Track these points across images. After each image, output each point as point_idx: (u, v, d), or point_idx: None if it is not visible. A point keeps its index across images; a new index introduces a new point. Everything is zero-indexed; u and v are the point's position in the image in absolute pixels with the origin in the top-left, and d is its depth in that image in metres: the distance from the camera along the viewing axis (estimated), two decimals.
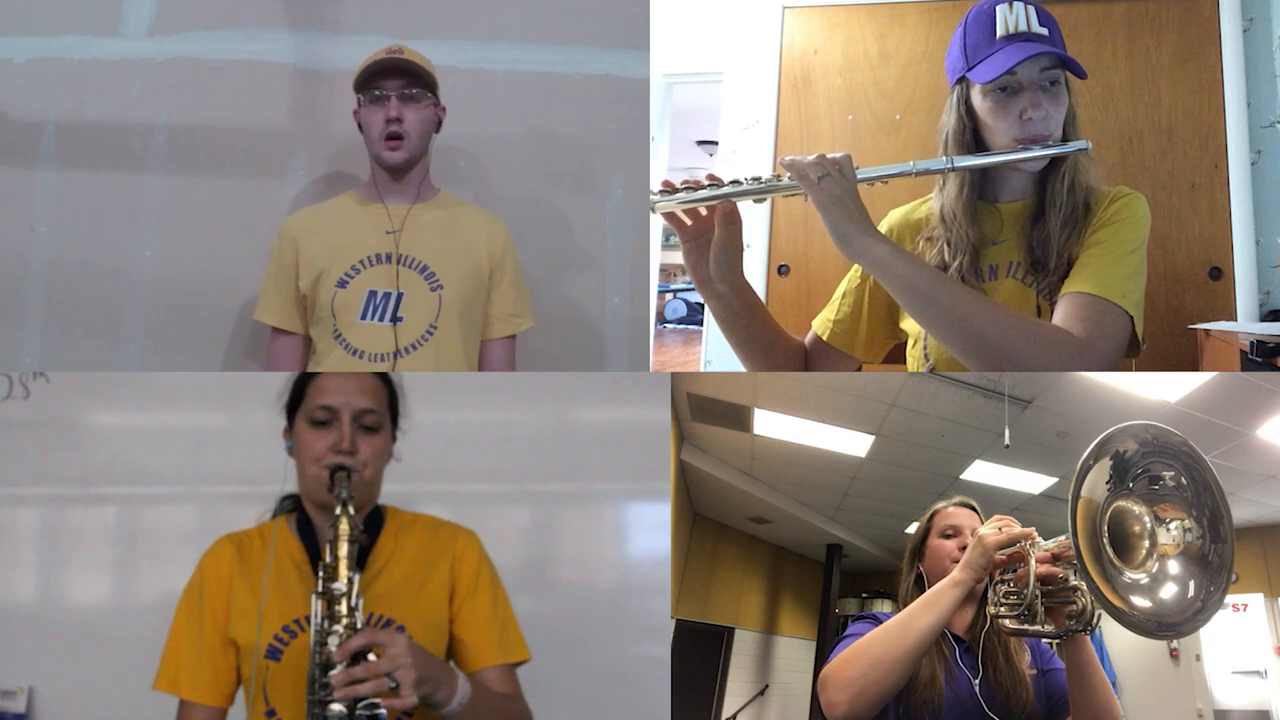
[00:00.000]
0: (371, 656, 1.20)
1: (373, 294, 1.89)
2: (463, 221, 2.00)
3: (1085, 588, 1.15)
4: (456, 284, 1.93)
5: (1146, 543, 1.12)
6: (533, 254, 2.26)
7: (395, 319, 1.89)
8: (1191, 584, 1.09)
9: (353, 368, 1.86)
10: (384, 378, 1.44)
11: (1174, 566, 1.11)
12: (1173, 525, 1.12)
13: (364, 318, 1.89)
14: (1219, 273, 2.71)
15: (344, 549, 1.26)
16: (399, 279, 1.90)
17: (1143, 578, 1.10)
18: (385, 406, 1.41)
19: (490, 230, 2.01)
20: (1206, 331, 2.46)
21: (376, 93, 1.90)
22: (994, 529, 1.27)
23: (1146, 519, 1.12)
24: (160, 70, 2.26)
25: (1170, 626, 1.09)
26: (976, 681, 1.33)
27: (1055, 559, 1.21)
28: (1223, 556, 1.10)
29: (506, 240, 2.02)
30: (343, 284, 1.90)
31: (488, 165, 2.27)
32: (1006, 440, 2.75)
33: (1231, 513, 1.11)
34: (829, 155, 1.44)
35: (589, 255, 2.29)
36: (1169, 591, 1.09)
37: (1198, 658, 3.63)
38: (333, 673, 1.19)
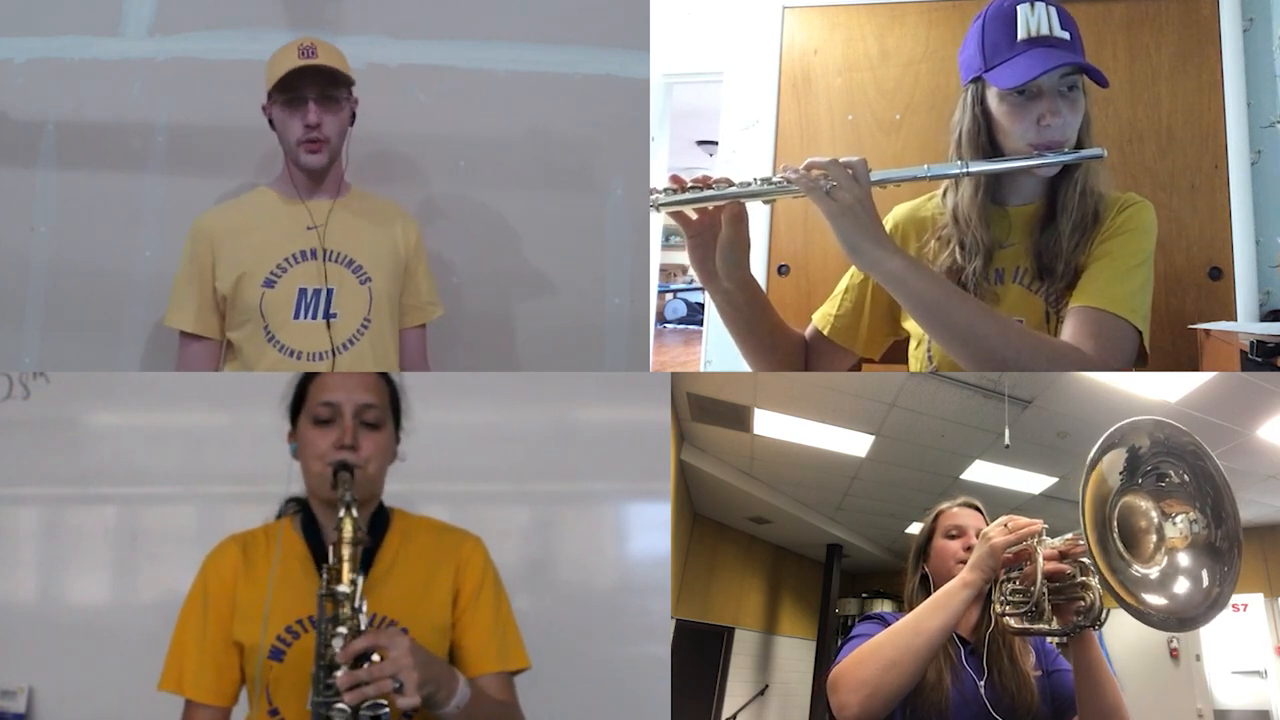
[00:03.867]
0: (376, 658, 1.20)
1: (304, 291, 1.87)
2: (380, 214, 2.00)
3: (1094, 582, 1.15)
4: (383, 275, 1.93)
5: (1154, 537, 1.12)
6: (532, 254, 2.27)
7: (329, 315, 1.87)
8: (1204, 574, 1.10)
9: (290, 369, 1.83)
10: (384, 376, 1.44)
11: (1184, 559, 1.11)
12: (1179, 519, 1.12)
13: (297, 316, 1.86)
14: (1219, 273, 2.71)
15: (347, 551, 1.26)
16: (327, 275, 1.88)
17: (1153, 572, 1.10)
18: (387, 403, 1.41)
19: (405, 222, 2.02)
20: (1206, 331, 2.46)
21: (293, 95, 1.84)
22: (1000, 528, 1.26)
23: (1153, 514, 1.13)
24: (160, 70, 2.26)
25: (1189, 620, 1.09)
26: (982, 683, 1.33)
27: (1063, 556, 1.21)
28: (1230, 539, 1.10)
29: (418, 230, 2.03)
30: (270, 283, 1.86)
31: (488, 165, 2.27)
32: (1006, 440, 2.75)
33: (1234, 496, 1.11)
34: (843, 159, 1.42)
35: (589, 255, 2.29)
36: (1182, 586, 1.09)
37: (1198, 658, 3.63)
38: (337, 674, 1.19)
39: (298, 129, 1.85)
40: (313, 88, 1.84)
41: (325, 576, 1.26)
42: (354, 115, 1.94)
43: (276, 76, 1.84)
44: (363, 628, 1.23)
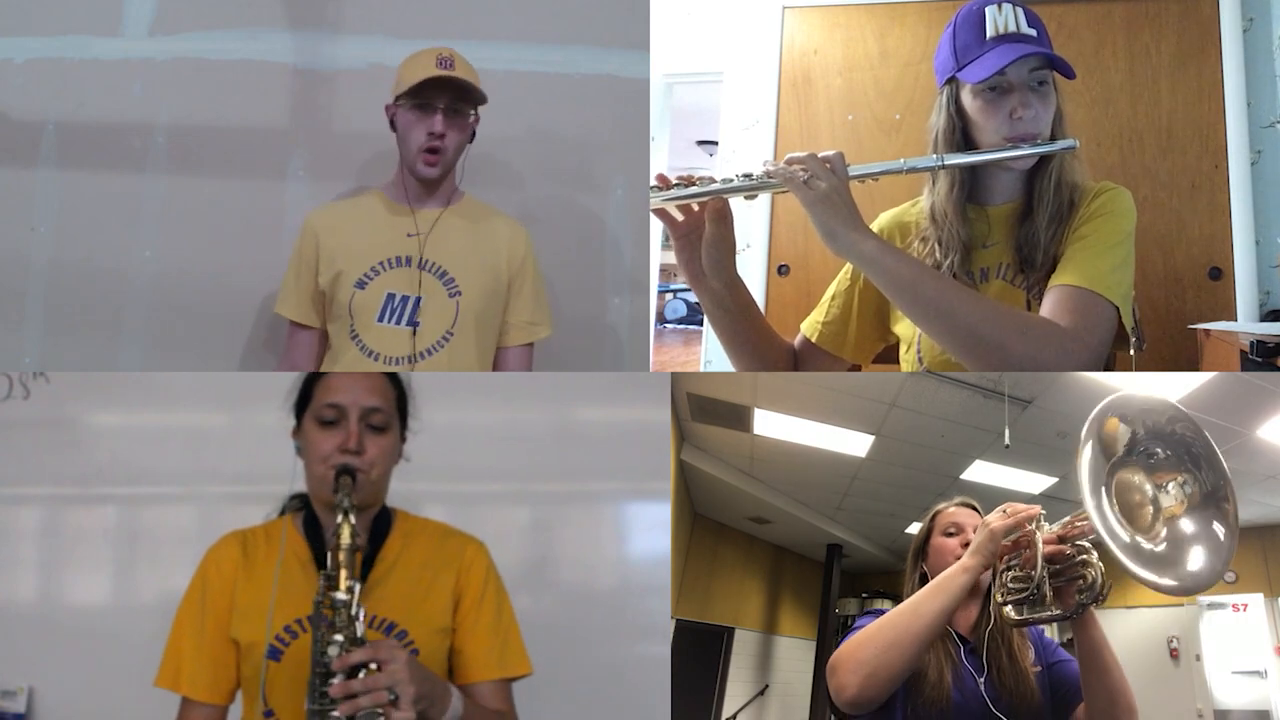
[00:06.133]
0: (374, 666, 1.19)
1: (391, 296, 1.89)
2: (486, 227, 1.99)
3: (1094, 559, 1.16)
4: (475, 291, 1.92)
5: (1150, 509, 1.13)
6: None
7: (412, 323, 1.89)
8: (1207, 531, 1.10)
9: (368, 369, 1.85)
10: (392, 377, 1.43)
11: (1187, 525, 1.11)
12: (1170, 487, 1.13)
13: (381, 320, 1.89)
14: (1219, 273, 2.72)
15: (344, 557, 1.25)
16: (417, 283, 1.89)
17: (1160, 546, 1.10)
18: (393, 406, 1.40)
19: (512, 237, 2.00)
20: (1206, 331, 2.46)
21: (422, 103, 1.85)
22: (1000, 514, 1.27)
23: (1147, 487, 1.14)
24: (160, 70, 2.26)
25: (1201, 582, 1.10)
26: (982, 680, 1.33)
27: (1061, 539, 1.21)
28: (1217, 484, 1.12)
29: (528, 248, 2.01)
30: (361, 285, 1.89)
31: (488, 165, 2.27)
32: (1006, 440, 2.75)
33: (1215, 447, 1.13)
34: (821, 154, 1.46)
35: (589, 255, 2.29)
36: (1192, 553, 1.10)
37: (1198, 658, 3.63)
38: (332, 682, 1.18)
39: (421, 136, 1.86)
40: (443, 98, 1.86)
41: (323, 583, 1.25)
42: (474, 133, 1.95)
43: (410, 82, 1.85)
44: (359, 634, 1.22)
